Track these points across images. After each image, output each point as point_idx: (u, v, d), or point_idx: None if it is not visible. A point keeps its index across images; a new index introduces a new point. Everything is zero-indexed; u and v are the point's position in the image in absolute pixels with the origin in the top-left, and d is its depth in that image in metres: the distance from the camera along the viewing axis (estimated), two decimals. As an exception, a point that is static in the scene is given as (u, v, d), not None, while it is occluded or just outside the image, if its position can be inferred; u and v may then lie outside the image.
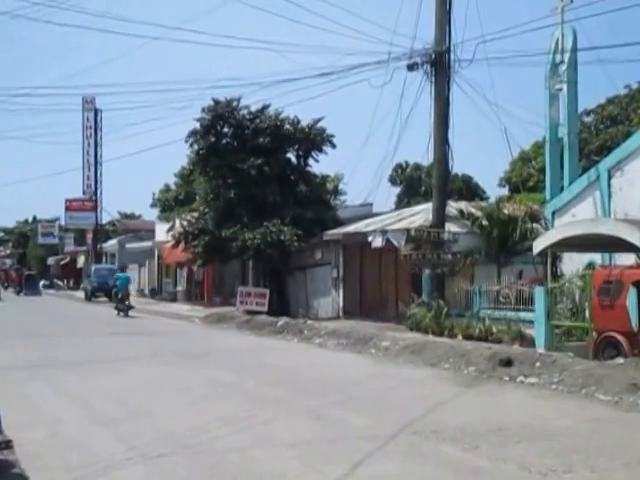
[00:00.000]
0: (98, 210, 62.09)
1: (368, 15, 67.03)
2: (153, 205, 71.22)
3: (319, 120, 35.72)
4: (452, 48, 23.61)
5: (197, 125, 35.23)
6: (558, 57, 24.16)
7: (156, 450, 8.33)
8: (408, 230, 25.08)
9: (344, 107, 78.34)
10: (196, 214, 37.61)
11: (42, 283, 68.38)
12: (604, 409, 10.90)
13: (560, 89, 24.17)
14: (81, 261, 68.70)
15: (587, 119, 43.97)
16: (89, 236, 64.15)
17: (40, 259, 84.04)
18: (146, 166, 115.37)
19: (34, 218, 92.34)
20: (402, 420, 9.77)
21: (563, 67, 24.09)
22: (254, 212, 33.45)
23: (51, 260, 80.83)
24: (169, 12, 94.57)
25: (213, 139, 34.93)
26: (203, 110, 35.05)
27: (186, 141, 35.77)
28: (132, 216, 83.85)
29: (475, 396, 12.06)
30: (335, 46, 46.23)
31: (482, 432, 9.18)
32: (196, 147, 35.57)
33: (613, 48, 41.68)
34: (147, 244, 54.55)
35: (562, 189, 24.59)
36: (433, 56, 23.72)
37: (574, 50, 23.86)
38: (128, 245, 60.29)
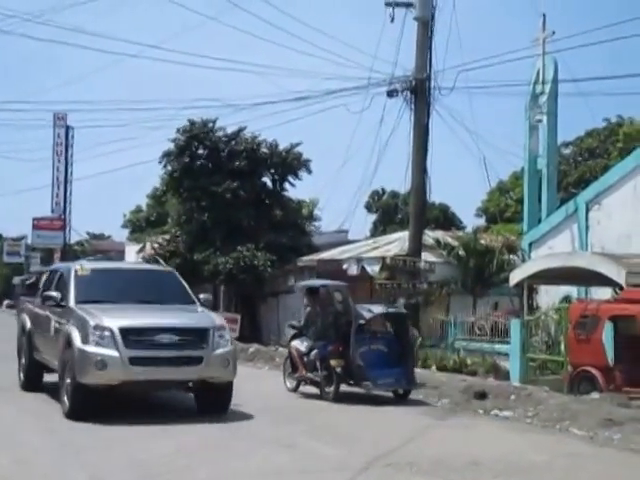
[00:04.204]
0: (67, 229, 61.36)
1: (349, 40, 67.87)
2: (124, 226, 70.74)
3: (297, 145, 35.61)
4: (433, 75, 23.53)
5: (171, 146, 34.94)
6: (539, 88, 24.24)
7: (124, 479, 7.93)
8: (384, 258, 24.88)
9: (322, 132, 78.53)
10: (168, 236, 37.22)
11: (6, 303, 67.40)
12: (579, 444, 10.63)
13: (540, 120, 24.22)
14: (48, 281, 67.78)
15: (566, 151, 44.36)
16: (57, 256, 63.21)
17: (5, 278, 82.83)
18: (117, 186, 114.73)
19: (0, 236, 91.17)
20: (375, 451, 9.45)
21: (543, 98, 24.16)
22: (227, 236, 33.12)
23: (16, 280, 79.61)
24: (147, 30, 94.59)
25: (187, 160, 34.62)
26: (178, 131, 34.77)
27: (160, 162, 35.48)
28: (101, 236, 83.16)
29: (449, 429, 11.76)
30: (314, 70, 46.46)
31: (457, 466, 8.90)
32: (170, 168, 35.24)
33: (593, 81, 42.00)
34: (117, 265, 53.74)
35: (540, 221, 24.58)
36: (413, 83, 23.61)
37: (555, 81, 23.96)
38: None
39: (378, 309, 15.18)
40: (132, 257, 46.73)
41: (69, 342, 11.31)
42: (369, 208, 60.51)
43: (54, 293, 12.62)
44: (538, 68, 24.32)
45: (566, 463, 9.44)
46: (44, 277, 15.07)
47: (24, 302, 15.77)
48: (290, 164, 35.46)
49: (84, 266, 13.30)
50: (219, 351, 11.47)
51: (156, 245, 36.78)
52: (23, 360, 14.37)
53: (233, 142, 34.96)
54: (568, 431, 11.46)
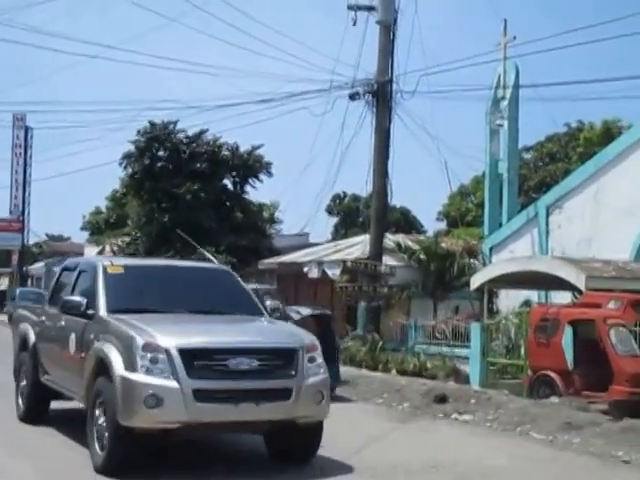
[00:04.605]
0: (25, 231, 60.57)
1: (312, 43, 67.71)
2: (83, 228, 69.95)
3: (258, 147, 35.52)
4: (394, 79, 23.51)
5: (132, 147, 34.66)
6: (500, 93, 24.33)
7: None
8: (344, 262, 24.80)
9: (285, 134, 78.38)
10: (128, 238, 36.98)
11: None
12: (539, 448, 10.69)
13: (501, 125, 24.31)
14: (4, 283, 66.82)
15: (526, 156, 44.74)
16: (14, 257, 62.46)
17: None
18: (77, 187, 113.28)
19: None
20: (334, 456, 9.31)
21: (504, 103, 24.25)
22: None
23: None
24: (109, 31, 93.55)
25: (148, 162, 34.37)
26: (139, 132, 34.49)
27: (120, 163, 35.20)
28: (60, 238, 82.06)
29: (409, 432, 11.73)
30: (277, 73, 46.26)
31: (417, 469, 8.88)
32: (130, 170, 34.98)
33: (554, 86, 42.41)
34: (76, 268, 53.30)
35: (500, 225, 24.65)
36: (375, 86, 23.56)
37: (516, 86, 24.05)
38: (55, 268, 58.44)
39: (306, 311, 15.97)
40: (91, 259, 46.17)
41: (104, 366, 8.27)
42: (330, 211, 60.51)
43: (77, 298, 9.47)
44: (499, 73, 24.41)
45: (525, 466, 9.50)
46: (55, 277, 11.82)
47: (24, 308, 12.76)
48: (251, 166, 35.39)
49: (115, 262, 10.18)
50: (311, 381, 8.48)
51: (116, 247, 36.49)
52: (24, 382, 11.05)
53: (194, 144, 34.81)
54: (528, 435, 11.51)
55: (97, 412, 8.29)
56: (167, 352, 7.83)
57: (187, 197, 33.09)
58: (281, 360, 8.37)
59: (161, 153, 34.98)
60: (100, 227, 62.23)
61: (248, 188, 36.30)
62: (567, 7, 75.92)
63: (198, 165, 34.07)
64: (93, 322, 9.03)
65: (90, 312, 9.14)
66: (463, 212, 45.31)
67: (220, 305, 9.74)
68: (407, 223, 53.30)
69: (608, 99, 51.06)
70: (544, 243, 22.60)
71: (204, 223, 33.07)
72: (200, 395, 7.78)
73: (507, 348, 18.83)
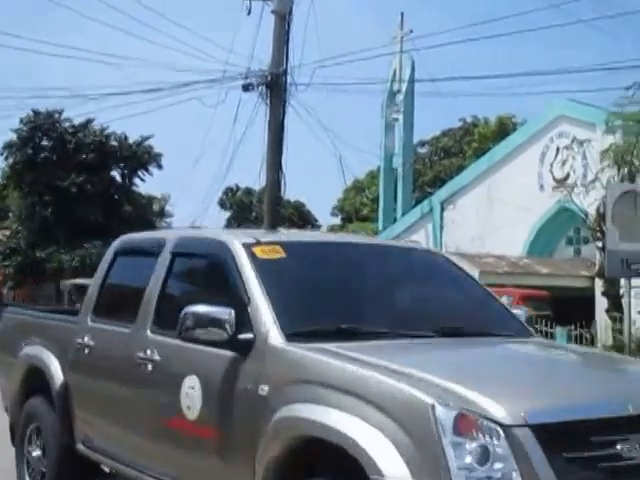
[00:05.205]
0: None
1: (204, 32, 66.14)
2: (-38, 221, 67.10)
3: (147, 138, 34.43)
4: (289, 71, 22.94)
5: (14, 137, 33.14)
6: (396, 86, 24.20)
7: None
8: (237, 256, 24.16)
9: (177, 126, 76.88)
10: (8, 232, 35.46)
11: None
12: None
13: (396, 119, 24.19)
14: None
15: (422, 150, 44.90)
16: None
17: None
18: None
19: None
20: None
21: (400, 97, 24.11)
22: (73, 232, 31.64)
23: None
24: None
25: (30, 152, 32.90)
26: (21, 121, 32.96)
27: (1, 154, 33.63)
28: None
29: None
30: (168, 62, 44.73)
31: None
32: (11, 160, 33.46)
33: (450, 81, 42.79)
34: (-46, 263, 51.18)
35: (395, 220, 24.51)
36: (269, 77, 22.94)
37: (412, 80, 23.93)
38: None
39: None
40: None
41: (333, 463, 3.74)
42: (223, 205, 59.59)
43: (218, 310, 4.40)
44: (395, 66, 24.24)
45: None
46: (102, 269, 6.63)
47: (25, 317, 7.39)
48: (140, 158, 34.30)
49: (263, 239, 5.02)
50: None
51: (-4, 241, 34.96)
52: (37, 452, 6.27)
53: (80, 134, 33.44)
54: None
55: None
56: (508, 434, 3.42)
57: (72, 190, 31.80)
58: None
59: (45, 143, 33.54)
60: (-21, 220, 59.79)
61: (137, 180, 35.23)
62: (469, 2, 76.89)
63: (84, 156, 32.80)
64: (251, 359, 4.37)
65: (243, 337, 4.39)
66: (358, 207, 45.21)
67: (473, 319, 5.34)
68: (301, 217, 52.89)
69: (503, 95, 51.97)
70: (438, 238, 22.56)
71: (90, 217, 31.90)
72: None
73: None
